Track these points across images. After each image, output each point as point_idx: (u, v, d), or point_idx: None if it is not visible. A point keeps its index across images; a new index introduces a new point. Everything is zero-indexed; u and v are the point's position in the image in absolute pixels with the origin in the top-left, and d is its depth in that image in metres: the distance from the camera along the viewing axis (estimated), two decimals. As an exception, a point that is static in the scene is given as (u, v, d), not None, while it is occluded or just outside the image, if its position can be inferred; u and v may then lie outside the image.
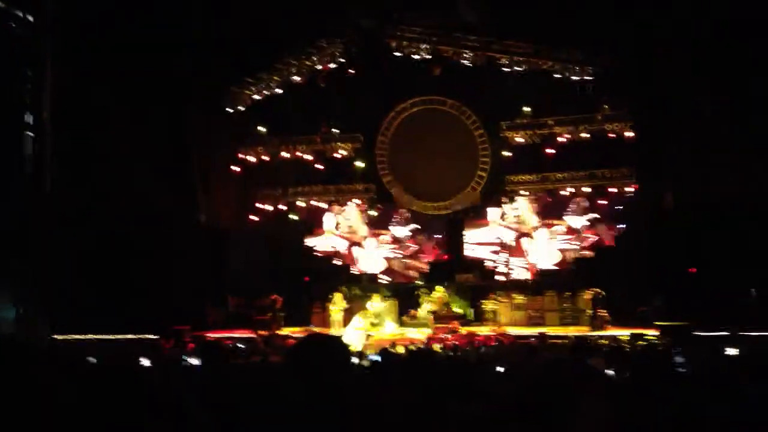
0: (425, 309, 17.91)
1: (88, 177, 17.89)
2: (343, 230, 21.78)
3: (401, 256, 21.11)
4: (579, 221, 20.07)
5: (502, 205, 20.70)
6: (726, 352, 8.27)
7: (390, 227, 21.56)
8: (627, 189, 19.01)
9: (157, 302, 16.43)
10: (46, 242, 16.91)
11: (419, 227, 21.24)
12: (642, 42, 17.33)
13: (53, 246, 16.85)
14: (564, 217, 20.31)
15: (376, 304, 17.53)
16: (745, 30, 15.05)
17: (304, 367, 2.63)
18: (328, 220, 21.70)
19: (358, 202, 21.36)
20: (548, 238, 20.22)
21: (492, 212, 20.72)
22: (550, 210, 20.52)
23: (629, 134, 18.83)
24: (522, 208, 20.64)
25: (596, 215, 19.86)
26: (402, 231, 21.40)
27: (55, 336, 15.11)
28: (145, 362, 8.13)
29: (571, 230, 20.14)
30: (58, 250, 16.82)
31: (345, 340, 14.95)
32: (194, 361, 11.29)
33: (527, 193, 20.24)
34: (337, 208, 21.75)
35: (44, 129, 17.72)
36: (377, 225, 21.69)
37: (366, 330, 16.43)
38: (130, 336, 15.28)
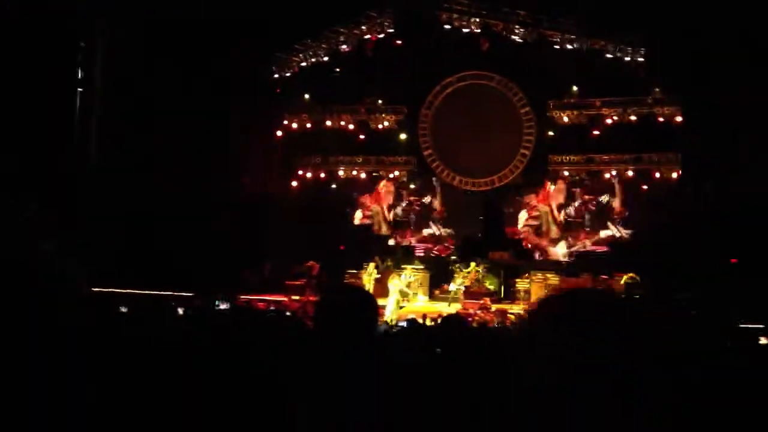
0: (457, 284, 17.89)
1: (132, 136, 18.24)
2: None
3: (436, 255, 20.70)
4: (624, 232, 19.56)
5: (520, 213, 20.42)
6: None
7: (426, 228, 21.26)
8: (672, 175, 18.59)
9: (194, 263, 16.72)
10: (89, 197, 17.39)
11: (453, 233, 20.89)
12: (697, 26, 16.79)
13: (95, 201, 17.32)
14: (609, 227, 19.69)
15: (407, 276, 17.55)
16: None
17: (334, 314, 2.64)
18: (357, 215, 21.67)
19: (396, 174, 21.32)
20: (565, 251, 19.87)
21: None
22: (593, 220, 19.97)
23: (678, 119, 18.42)
24: (543, 218, 20.22)
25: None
26: (438, 229, 21.09)
27: (92, 288, 15.47)
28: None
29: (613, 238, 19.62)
30: (100, 205, 17.28)
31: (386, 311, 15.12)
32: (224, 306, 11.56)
33: (567, 174, 19.93)
34: (368, 201, 21.61)
35: (93, 86, 18.16)
36: (417, 224, 21.46)
37: (397, 301, 16.48)
38: (163, 292, 15.62)
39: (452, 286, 17.87)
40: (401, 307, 16.36)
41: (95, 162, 18.36)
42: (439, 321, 13.51)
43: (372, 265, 17.94)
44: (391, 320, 13.97)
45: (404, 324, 12.16)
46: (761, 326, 13.57)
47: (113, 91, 18.59)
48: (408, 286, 17.08)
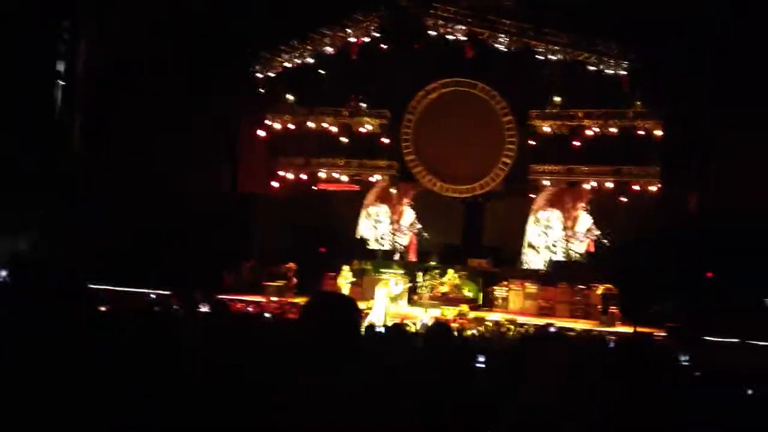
0: (436, 290, 17.94)
1: (114, 134, 18.09)
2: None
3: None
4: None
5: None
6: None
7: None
8: (651, 188, 18.81)
9: (174, 262, 16.60)
10: (71, 192, 17.21)
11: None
12: (678, 41, 17.04)
13: (76, 196, 17.14)
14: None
15: (396, 286, 17.42)
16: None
17: (317, 322, 2.65)
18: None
19: (380, 177, 21.39)
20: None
21: None
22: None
23: (658, 133, 18.63)
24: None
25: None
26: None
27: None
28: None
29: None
30: (81, 201, 17.10)
31: (372, 316, 15.01)
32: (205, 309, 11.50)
33: (549, 183, 20.13)
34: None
35: (75, 79, 17.98)
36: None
37: (386, 308, 16.31)
38: (142, 290, 15.54)
39: (431, 293, 17.86)
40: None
41: (77, 157, 18.17)
42: (419, 327, 13.53)
43: (347, 268, 17.89)
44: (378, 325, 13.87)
45: (382, 330, 12.13)
46: (734, 341, 13.88)
47: (96, 85, 18.42)
48: (397, 295, 17.01)
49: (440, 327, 7.48)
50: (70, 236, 15.79)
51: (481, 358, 7.28)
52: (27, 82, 17.09)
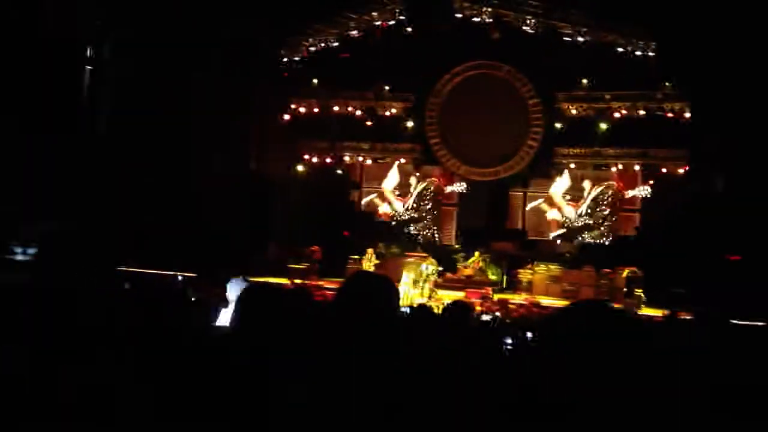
0: (460, 273, 17.95)
1: (142, 118, 18.25)
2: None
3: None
4: None
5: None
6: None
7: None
8: (678, 171, 18.61)
9: (201, 244, 16.74)
10: (96, 180, 17.41)
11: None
12: (708, 23, 16.75)
13: (102, 183, 17.33)
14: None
15: (428, 268, 17.47)
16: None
17: (355, 300, 2.66)
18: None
19: (404, 161, 21.37)
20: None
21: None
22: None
23: (687, 115, 18.41)
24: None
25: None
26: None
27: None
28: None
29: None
30: (107, 187, 17.30)
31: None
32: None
33: (575, 166, 19.99)
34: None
35: (103, 65, 18.16)
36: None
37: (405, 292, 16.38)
38: (169, 272, 15.65)
39: (455, 276, 17.75)
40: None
41: (103, 140, 18.38)
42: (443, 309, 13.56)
43: (371, 251, 17.93)
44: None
45: (407, 310, 12.15)
46: (761, 323, 13.67)
47: (123, 69, 18.58)
48: (426, 278, 17.06)
49: (460, 307, 7.50)
50: (95, 219, 15.98)
51: (508, 340, 7.33)
52: (57, 68, 17.30)
